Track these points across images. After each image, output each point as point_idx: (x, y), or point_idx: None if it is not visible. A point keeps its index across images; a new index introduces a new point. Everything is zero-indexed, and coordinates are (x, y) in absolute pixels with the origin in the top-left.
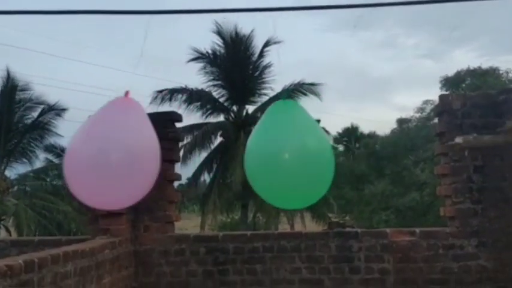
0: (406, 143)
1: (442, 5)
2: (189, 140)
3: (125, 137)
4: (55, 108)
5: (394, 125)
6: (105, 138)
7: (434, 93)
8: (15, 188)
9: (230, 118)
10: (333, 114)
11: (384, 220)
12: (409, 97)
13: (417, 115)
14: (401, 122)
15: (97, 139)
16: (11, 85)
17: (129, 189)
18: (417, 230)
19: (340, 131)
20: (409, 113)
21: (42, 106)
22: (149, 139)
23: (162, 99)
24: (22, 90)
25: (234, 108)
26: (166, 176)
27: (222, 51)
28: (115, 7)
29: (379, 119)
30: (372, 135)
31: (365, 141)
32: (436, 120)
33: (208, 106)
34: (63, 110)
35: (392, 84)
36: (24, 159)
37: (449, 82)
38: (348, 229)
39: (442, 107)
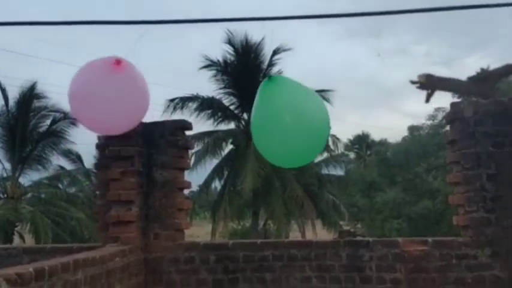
0: (417, 150)
1: (453, 12)
2: (200, 147)
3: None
4: (69, 117)
5: (405, 132)
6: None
7: (445, 101)
8: (29, 195)
9: (241, 126)
10: (344, 122)
11: (395, 228)
12: (420, 104)
13: (429, 122)
14: (412, 129)
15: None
16: (30, 95)
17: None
18: (429, 239)
19: (351, 138)
20: (420, 120)
21: (55, 114)
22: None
23: (174, 108)
24: (38, 98)
25: (245, 115)
26: (176, 183)
27: (233, 59)
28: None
29: (390, 127)
30: (383, 143)
31: (376, 149)
32: (447, 127)
33: (219, 114)
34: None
35: (403, 92)
36: (39, 166)
37: None
38: (358, 238)
39: (454, 115)
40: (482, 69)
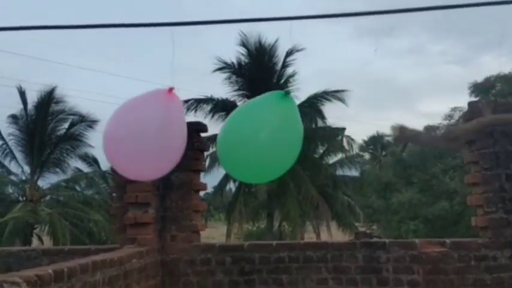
0: (434, 151)
1: (469, 11)
2: (214, 149)
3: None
4: (86, 120)
5: None
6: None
7: (462, 100)
8: (48, 197)
9: None
10: (358, 122)
11: (412, 230)
12: (436, 104)
13: (445, 122)
14: (428, 129)
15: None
16: (48, 98)
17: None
18: (448, 240)
19: (366, 138)
20: (436, 120)
21: (73, 117)
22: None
23: (188, 109)
24: (56, 102)
25: None
26: (192, 185)
27: (247, 61)
28: (138, 20)
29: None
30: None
31: (392, 149)
32: None
33: None
34: (95, 121)
35: (418, 92)
36: (57, 169)
37: (478, 88)
38: (375, 239)
39: (472, 114)
40: (447, 128)
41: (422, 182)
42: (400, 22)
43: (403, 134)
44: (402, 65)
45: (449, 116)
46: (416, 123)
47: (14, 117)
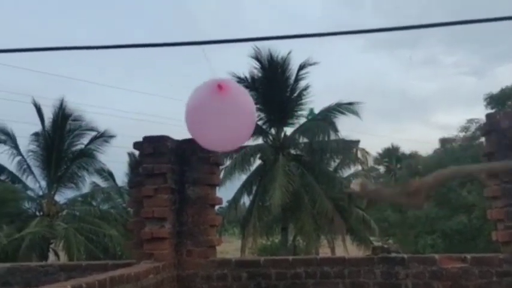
0: (450, 163)
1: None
2: (228, 163)
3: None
4: (103, 135)
5: (436, 144)
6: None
7: (478, 112)
8: (65, 212)
9: (268, 141)
10: (373, 135)
11: (430, 244)
12: (451, 116)
13: (461, 134)
14: (444, 141)
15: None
16: (63, 114)
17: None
18: (468, 256)
19: (381, 151)
20: (451, 132)
21: (91, 133)
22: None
23: None
24: (74, 120)
25: (272, 130)
26: (207, 200)
27: (260, 74)
28: (154, 40)
29: (420, 139)
30: (413, 156)
31: (407, 162)
32: (483, 139)
33: None
34: (111, 136)
35: (433, 103)
36: (73, 185)
37: (494, 100)
38: (393, 254)
39: (490, 126)
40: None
41: (440, 195)
42: (414, 33)
43: (364, 190)
44: (417, 76)
45: (465, 128)
46: (432, 135)
47: (36, 135)
